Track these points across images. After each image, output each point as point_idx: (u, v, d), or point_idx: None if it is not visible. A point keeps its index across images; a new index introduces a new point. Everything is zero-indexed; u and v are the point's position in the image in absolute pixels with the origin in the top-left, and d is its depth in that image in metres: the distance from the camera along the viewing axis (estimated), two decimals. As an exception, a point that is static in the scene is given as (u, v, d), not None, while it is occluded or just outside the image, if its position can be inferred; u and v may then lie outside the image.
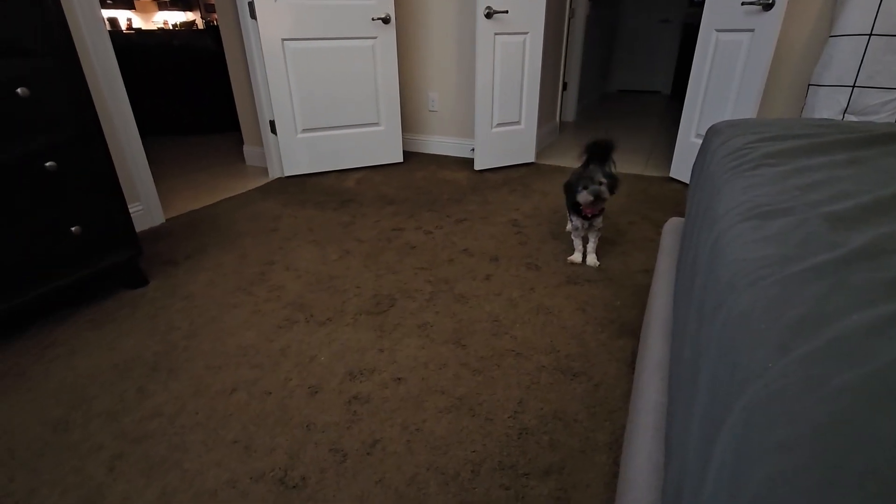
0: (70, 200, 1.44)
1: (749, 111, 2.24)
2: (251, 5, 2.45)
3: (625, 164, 3.08)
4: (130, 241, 1.62)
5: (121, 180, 1.61)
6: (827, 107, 2.20)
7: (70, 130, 1.41)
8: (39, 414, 1.12)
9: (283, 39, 2.56)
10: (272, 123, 2.74)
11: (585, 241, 1.82)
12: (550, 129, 3.65)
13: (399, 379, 1.22)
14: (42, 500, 0.92)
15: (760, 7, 2.08)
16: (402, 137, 3.19)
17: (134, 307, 1.55)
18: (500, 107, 2.81)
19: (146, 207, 2.16)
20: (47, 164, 1.38)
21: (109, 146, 1.57)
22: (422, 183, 2.75)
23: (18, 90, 1.29)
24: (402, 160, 3.13)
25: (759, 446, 0.27)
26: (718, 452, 0.30)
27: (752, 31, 2.15)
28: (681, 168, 2.69)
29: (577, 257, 1.83)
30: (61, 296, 1.48)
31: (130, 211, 1.66)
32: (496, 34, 2.61)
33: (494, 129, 2.87)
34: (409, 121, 3.37)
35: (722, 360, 0.36)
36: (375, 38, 2.76)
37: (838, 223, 0.45)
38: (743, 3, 2.11)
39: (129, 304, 1.57)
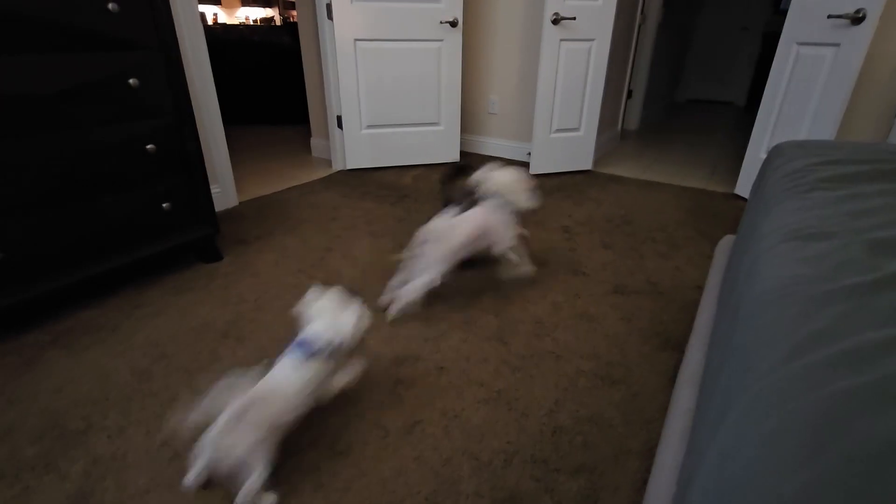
0: (164, 180, 1.62)
1: (827, 131, 2.12)
2: (329, 7, 2.61)
3: (686, 177, 2.99)
4: (210, 220, 1.79)
5: (204, 164, 1.78)
6: (918, 129, 2.04)
7: (169, 117, 1.59)
8: (129, 364, 1.29)
9: (356, 40, 2.70)
10: (339, 118, 2.89)
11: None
12: (611, 136, 3.60)
13: (441, 368, 1.29)
14: (130, 437, 1.06)
15: (849, 21, 1.97)
16: (460, 138, 3.26)
17: (209, 279, 1.72)
18: (560, 113, 2.81)
19: (223, 190, 2.36)
20: (148, 146, 1.56)
21: (198, 132, 1.74)
22: (476, 183, 2.81)
23: (130, 80, 1.47)
24: (458, 160, 3.20)
25: (755, 431, 0.31)
26: (722, 435, 0.34)
27: (837, 45, 2.04)
28: (747, 185, 2.58)
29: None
30: (150, 263, 1.66)
31: (211, 192, 1.83)
32: (562, 40, 2.61)
33: (552, 135, 2.87)
34: (468, 121, 3.44)
35: (740, 364, 0.39)
36: (442, 40, 2.85)
37: (878, 249, 0.46)
38: (829, 17, 2.01)
39: (205, 276, 1.74)
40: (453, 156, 3.17)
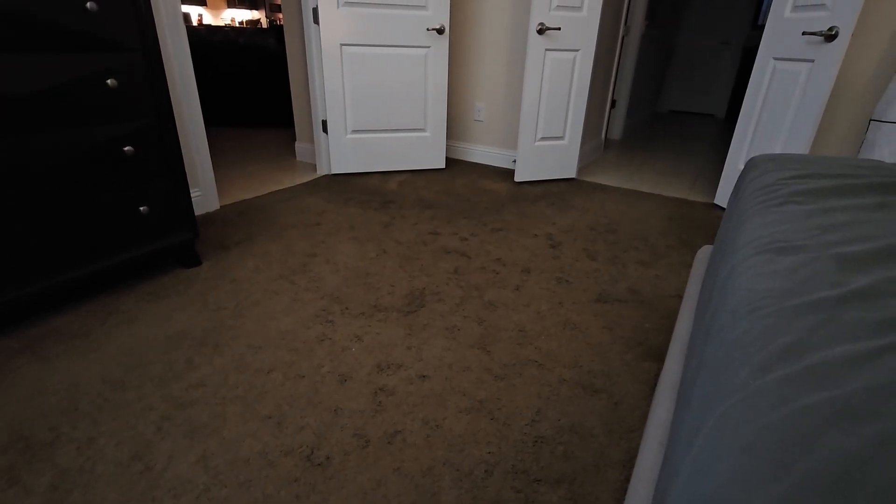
0: (142, 183, 1.59)
1: (802, 143, 2.18)
2: (315, 11, 2.60)
3: (668, 186, 3.05)
4: (189, 224, 1.75)
5: (185, 166, 1.75)
6: (889, 144, 2.11)
7: (148, 119, 1.56)
8: (101, 372, 1.25)
9: (342, 44, 2.69)
10: (324, 123, 2.88)
11: None
12: (595, 145, 3.65)
13: (424, 376, 1.28)
14: (100, 449, 1.03)
15: (822, 38, 2.03)
16: (446, 144, 3.26)
17: (187, 285, 1.68)
18: (544, 121, 2.84)
19: (204, 193, 2.33)
20: (126, 148, 1.52)
21: (178, 134, 1.71)
22: (462, 190, 2.82)
23: (108, 81, 1.44)
24: (444, 166, 3.20)
25: (727, 446, 0.31)
26: (695, 450, 0.34)
27: (811, 61, 2.10)
28: (726, 195, 2.63)
29: None
30: (127, 268, 1.62)
31: (191, 196, 1.80)
32: (547, 50, 2.65)
33: (537, 143, 2.90)
34: (454, 128, 3.45)
35: (713, 378, 0.40)
36: (429, 47, 2.86)
37: (847, 264, 0.47)
38: (804, 33, 2.07)
39: (183, 282, 1.70)
40: (439, 162, 3.18)
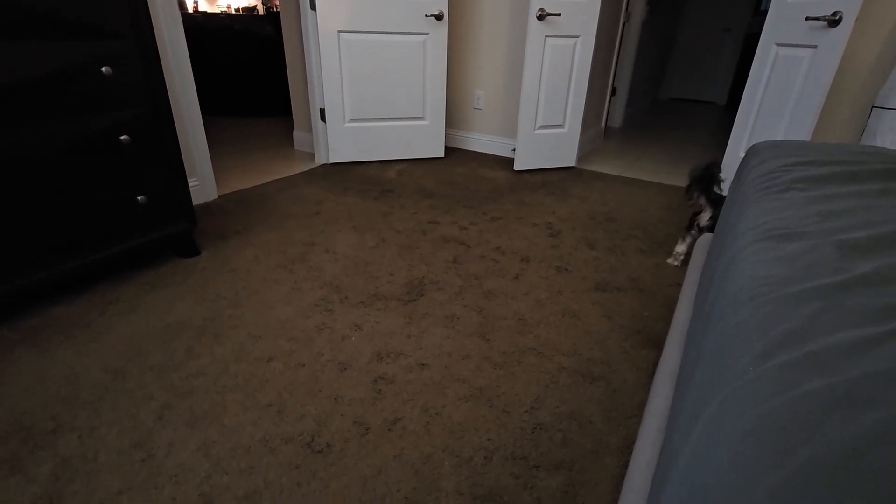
0: (139, 172, 1.58)
1: (804, 131, 2.16)
2: (312, -3, 2.56)
3: (668, 175, 3.03)
4: (187, 213, 1.74)
5: (182, 156, 1.73)
6: (891, 131, 2.10)
7: (144, 108, 1.54)
8: (101, 362, 1.25)
9: (339, 31, 2.66)
10: (322, 111, 2.85)
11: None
12: (595, 134, 3.62)
13: (423, 365, 1.29)
14: (101, 437, 1.04)
15: (826, 23, 2.00)
16: (445, 133, 3.24)
17: (186, 275, 1.68)
18: (544, 109, 2.82)
19: (202, 183, 2.31)
20: (122, 137, 1.51)
21: (175, 124, 1.70)
22: (461, 179, 2.80)
23: (103, 69, 1.42)
24: (443, 155, 3.19)
25: (727, 433, 0.31)
26: (694, 437, 0.34)
27: (814, 47, 2.07)
28: (726, 184, 2.62)
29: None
30: (125, 258, 1.62)
31: (189, 185, 1.79)
32: (547, 36, 2.61)
33: (537, 131, 2.88)
34: (453, 117, 3.42)
35: (712, 365, 0.40)
36: (427, 34, 2.82)
37: (849, 251, 0.47)
38: (807, 18, 2.04)
39: (182, 272, 1.70)
40: (438, 151, 3.16)
